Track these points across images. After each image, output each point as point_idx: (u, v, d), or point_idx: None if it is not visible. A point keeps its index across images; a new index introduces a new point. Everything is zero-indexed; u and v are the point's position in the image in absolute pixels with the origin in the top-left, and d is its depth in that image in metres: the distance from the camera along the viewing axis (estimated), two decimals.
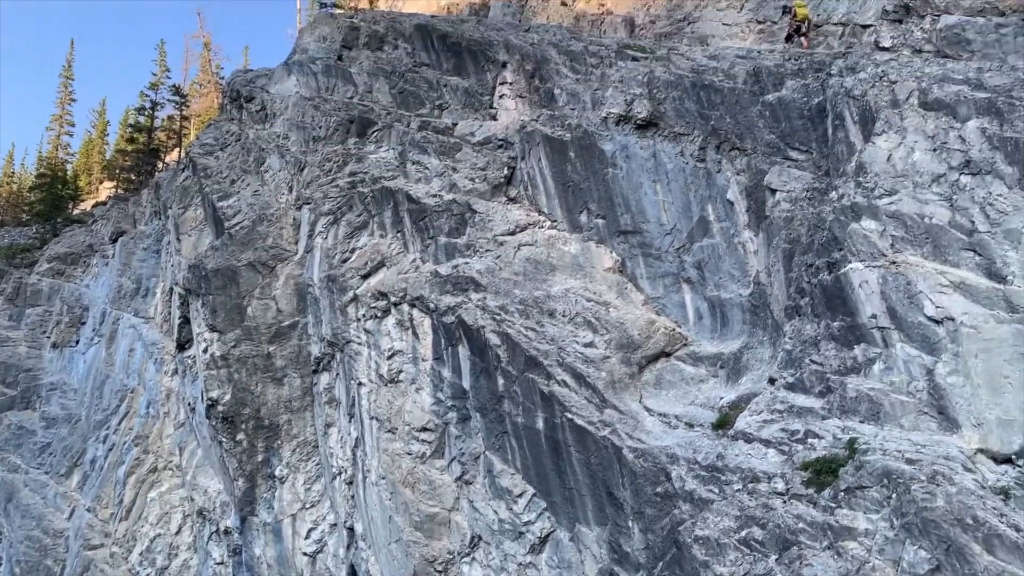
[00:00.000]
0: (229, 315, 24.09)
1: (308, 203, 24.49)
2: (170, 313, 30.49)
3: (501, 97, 25.21)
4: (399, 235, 22.19)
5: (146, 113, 58.23)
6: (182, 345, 28.05)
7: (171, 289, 29.97)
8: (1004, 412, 12.28)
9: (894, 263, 13.80)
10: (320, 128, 25.62)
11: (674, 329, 18.55)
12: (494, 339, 17.90)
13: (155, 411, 29.83)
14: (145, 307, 33.75)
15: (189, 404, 27.41)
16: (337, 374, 22.49)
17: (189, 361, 27.37)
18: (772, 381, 15.26)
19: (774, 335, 16.70)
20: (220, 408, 23.29)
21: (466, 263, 20.25)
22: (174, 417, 29.00)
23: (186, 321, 27.26)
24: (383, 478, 19.57)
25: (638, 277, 19.78)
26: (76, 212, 54.66)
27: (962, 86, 14.85)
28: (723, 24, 30.05)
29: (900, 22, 22.90)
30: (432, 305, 19.49)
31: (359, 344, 21.50)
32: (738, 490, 13.37)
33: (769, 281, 17.40)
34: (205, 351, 24.28)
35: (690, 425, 15.97)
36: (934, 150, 14.35)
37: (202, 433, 26.23)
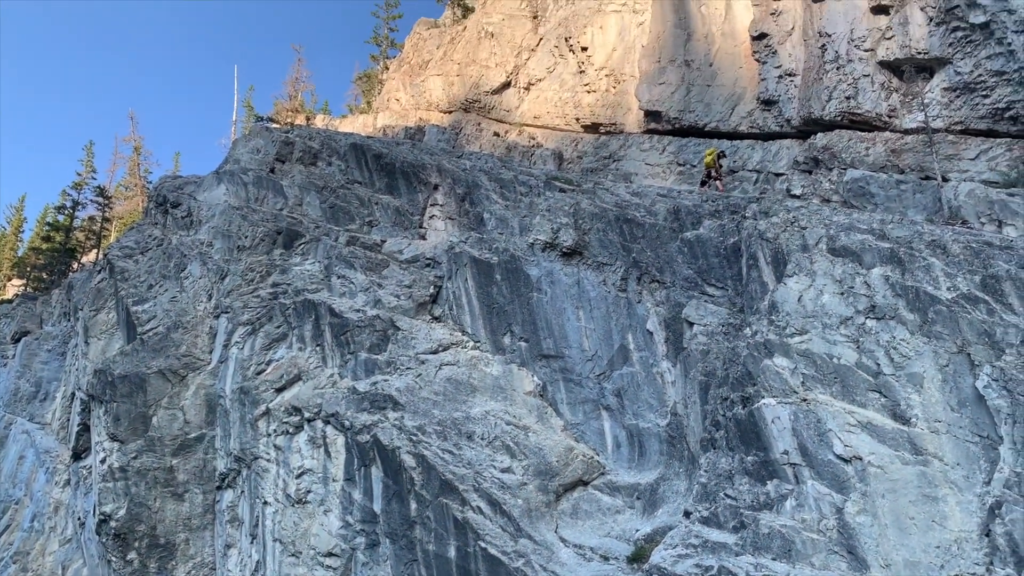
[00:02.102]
0: (133, 424, 22.93)
1: (227, 312, 23.97)
2: (69, 420, 28.86)
3: (431, 218, 25.64)
4: (318, 349, 21.80)
5: (66, 212, 56.97)
6: (78, 454, 26.45)
7: (73, 394, 28.49)
8: (910, 554, 12.43)
9: (805, 400, 14.16)
10: (246, 237, 25.42)
11: (592, 457, 18.44)
12: (409, 460, 17.44)
13: (40, 525, 27.70)
14: (42, 412, 31.91)
15: (79, 518, 25.58)
16: (242, 492, 21.43)
17: (84, 472, 25.75)
18: (687, 514, 15.17)
19: (690, 467, 16.76)
20: (113, 523, 21.78)
21: (386, 380, 19.93)
22: (60, 532, 26.96)
23: (85, 429, 25.82)
24: None
25: (558, 402, 19.78)
26: None
27: (867, 235, 15.77)
28: (646, 164, 31.63)
29: (810, 172, 24.49)
30: (347, 423, 18.98)
31: (268, 461, 20.65)
32: None
33: (686, 412, 17.61)
34: (103, 461, 22.91)
35: (605, 558, 15.64)
36: (842, 294, 15.04)
37: (90, 551, 24.38)
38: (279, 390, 21.50)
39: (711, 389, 16.55)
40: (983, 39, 20.37)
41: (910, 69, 22.62)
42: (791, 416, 14.10)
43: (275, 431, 20.82)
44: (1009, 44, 19.50)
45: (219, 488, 22.30)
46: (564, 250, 21.25)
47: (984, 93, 20.58)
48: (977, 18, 20.26)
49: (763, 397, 14.61)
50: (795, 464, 13.81)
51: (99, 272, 30.30)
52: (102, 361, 24.89)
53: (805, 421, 13.93)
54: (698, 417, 16.99)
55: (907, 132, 22.69)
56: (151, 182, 56.72)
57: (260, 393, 21.64)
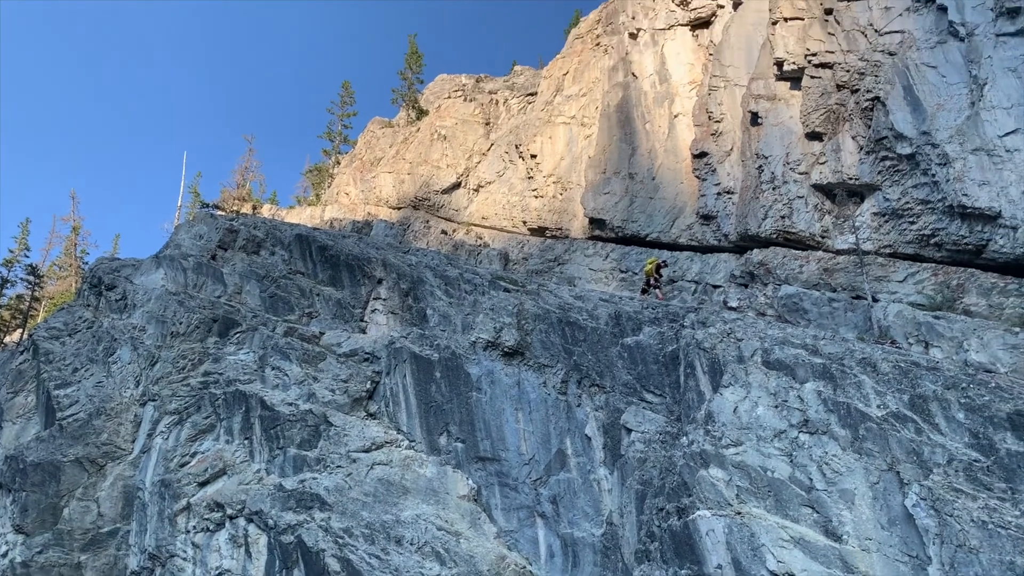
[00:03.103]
0: (41, 516, 21.59)
1: (154, 400, 23.12)
2: None
3: (373, 312, 25.46)
4: (247, 442, 21.06)
5: None
6: None
7: None
8: None
9: (739, 513, 14.09)
10: (181, 324, 24.81)
11: (525, 567, 17.90)
12: (334, 564, 16.70)
13: None
14: None
15: None
16: None
17: None
18: None
19: None
20: None
21: (314, 478, 19.26)
22: None
23: None
24: None
25: (493, 507, 19.30)
26: None
27: (800, 350, 16.12)
28: (589, 269, 32.17)
29: (746, 286, 25.15)
30: (271, 522, 18.18)
31: (184, 559, 19.56)
32: None
33: (621, 522, 17.33)
34: (4, 555, 21.41)
35: None
36: (776, 407, 15.23)
37: None
38: (202, 484, 20.60)
39: (647, 499, 16.38)
40: (910, 169, 21.54)
41: (842, 193, 23.72)
42: (726, 529, 13.99)
43: (195, 527, 19.83)
44: (933, 175, 20.64)
45: None
46: (506, 350, 21.21)
47: (911, 220, 21.61)
48: (904, 149, 21.47)
49: (698, 508, 14.50)
50: None
51: (22, 352, 29.09)
52: (15, 447, 23.62)
53: (739, 535, 13.82)
54: (633, 527, 16.73)
55: (839, 253, 23.59)
56: (87, 263, 55.41)
57: (182, 487, 20.69)
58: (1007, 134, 19.36)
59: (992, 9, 20.40)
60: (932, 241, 21.17)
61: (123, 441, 23.24)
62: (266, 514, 18.37)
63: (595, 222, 33.50)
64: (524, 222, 38.19)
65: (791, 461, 14.34)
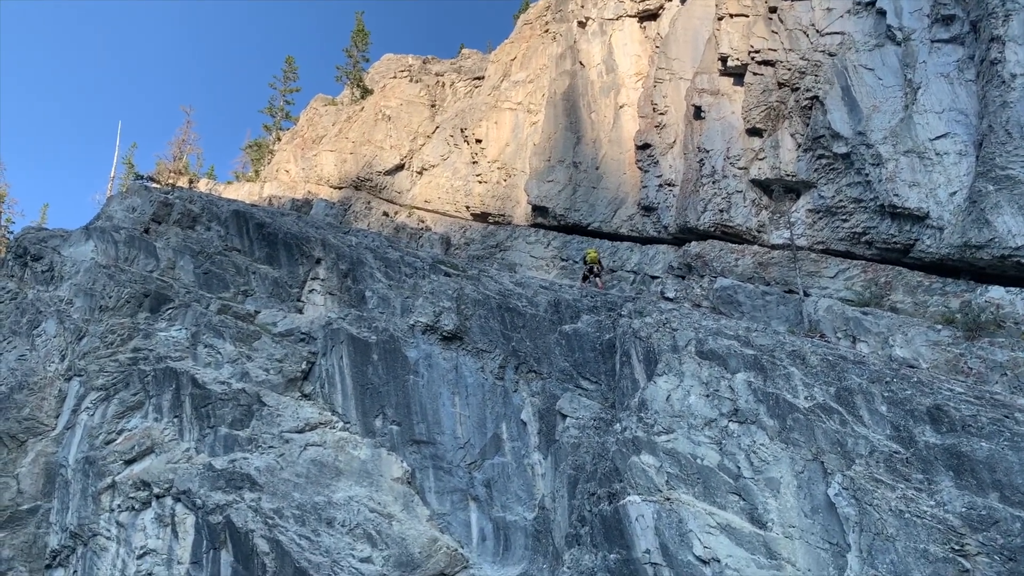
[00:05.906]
0: None
1: (80, 375, 22.43)
2: None
3: (311, 292, 25.10)
4: (176, 420, 20.61)
5: None
6: None
7: None
8: None
9: (668, 499, 14.35)
10: (111, 298, 24.08)
11: (456, 549, 17.97)
12: (263, 545, 16.49)
13: None
14: None
15: None
16: (75, 572, 19.64)
17: None
18: None
19: (554, 563, 16.56)
20: None
21: (245, 458, 18.96)
22: None
23: None
24: None
25: (426, 490, 19.30)
26: None
27: (733, 341, 16.44)
28: (531, 256, 32.27)
29: (683, 278, 25.54)
30: (199, 501, 17.85)
31: (107, 538, 19.08)
32: None
33: (553, 506, 17.51)
34: None
35: None
36: (707, 396, 15.52)
37: None
38: (129, 462, 20.10)
39: (579, 484, 16.57)
40: (845, 168, 22.10)
41: (779, 189, 24.21)
42: (655, 515, 14.24)
43: (119, 506, 19.36)
44: (867, 175, 21.22)
45: (49, 567, 20.38)
46: (445, 334, 21.17)
47: (844, 217, 22.19)
48: (840, 148, 22.01)
49: (629, 494, 14.72)
50: (656, 564, 13.86)
51: None
52: None
53: (668, 520, 14.08)
54: (565, 512, 16.92)
55: (774, 247, 24.10)
56: (12, 232, 53.22)
57: (107, 464, 20.16)
58: (937, 137, 20.00)
59: (928, 15, 21.01)
60: (863, 239, 21.77)
61: (46, 417, 22.52)
62: (194, 493, 18.03)
63: (538, 209, 33.57)
64: (467, 207, 38.06)
65: (720, 449, 14.65)
